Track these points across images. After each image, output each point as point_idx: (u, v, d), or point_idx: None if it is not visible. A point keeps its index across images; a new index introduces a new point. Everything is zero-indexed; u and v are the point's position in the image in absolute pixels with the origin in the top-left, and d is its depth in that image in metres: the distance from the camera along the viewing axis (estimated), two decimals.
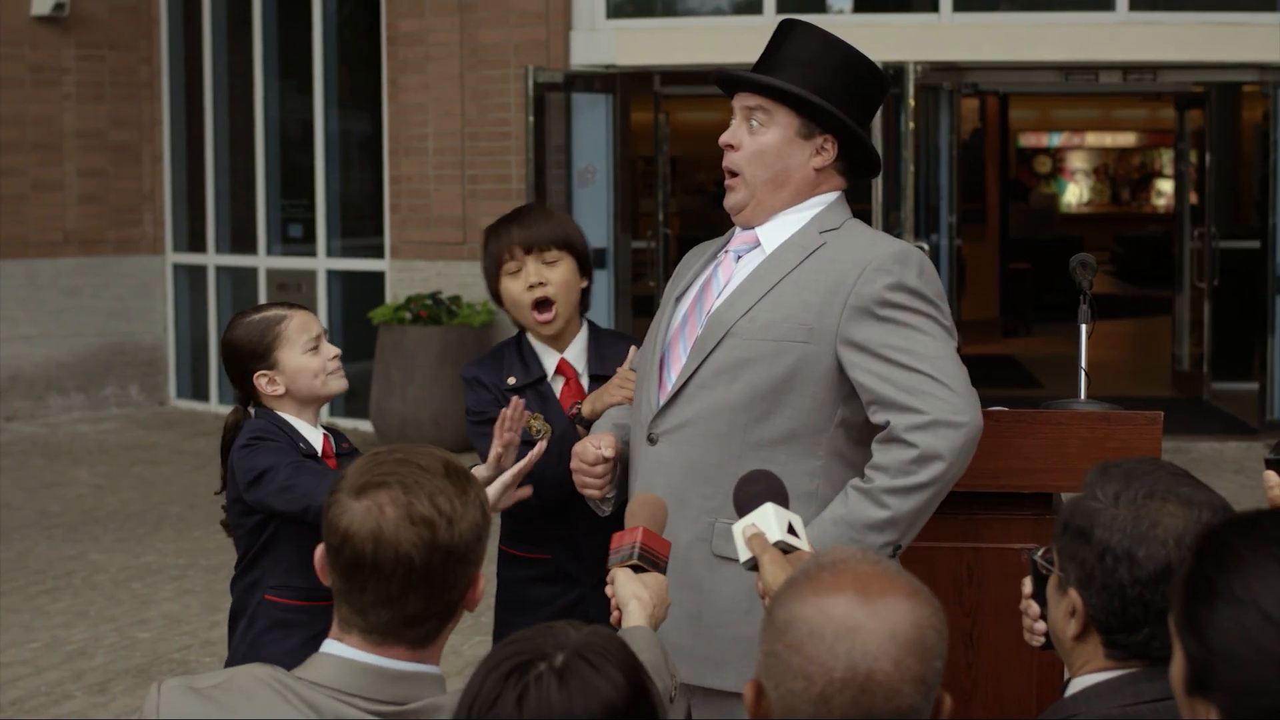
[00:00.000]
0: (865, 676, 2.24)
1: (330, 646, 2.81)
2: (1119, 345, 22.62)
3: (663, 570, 3.39)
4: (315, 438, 4.55)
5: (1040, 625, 3.10)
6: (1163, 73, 13.50)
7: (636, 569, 3.36)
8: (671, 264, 16.51)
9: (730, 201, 4.10)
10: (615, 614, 3.32)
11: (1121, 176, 36.12)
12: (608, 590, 3.38)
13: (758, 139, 4.03)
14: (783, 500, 3.28)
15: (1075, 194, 35.88)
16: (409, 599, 2.74)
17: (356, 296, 14.72)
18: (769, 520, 3.21)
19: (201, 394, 15.76)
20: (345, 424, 14.59)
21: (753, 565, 3.20)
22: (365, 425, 14.14)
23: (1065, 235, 27.79)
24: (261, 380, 4.53)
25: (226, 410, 15.69)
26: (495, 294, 4.79)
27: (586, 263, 4.75)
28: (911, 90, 12.72)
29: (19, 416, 15.11)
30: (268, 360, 4.53)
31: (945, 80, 13.51)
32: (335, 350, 4.60)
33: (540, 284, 4.64)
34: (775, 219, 4.05)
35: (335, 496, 2.79)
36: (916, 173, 12.94)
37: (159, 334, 15.94)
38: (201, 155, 15.73)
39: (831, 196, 4.06)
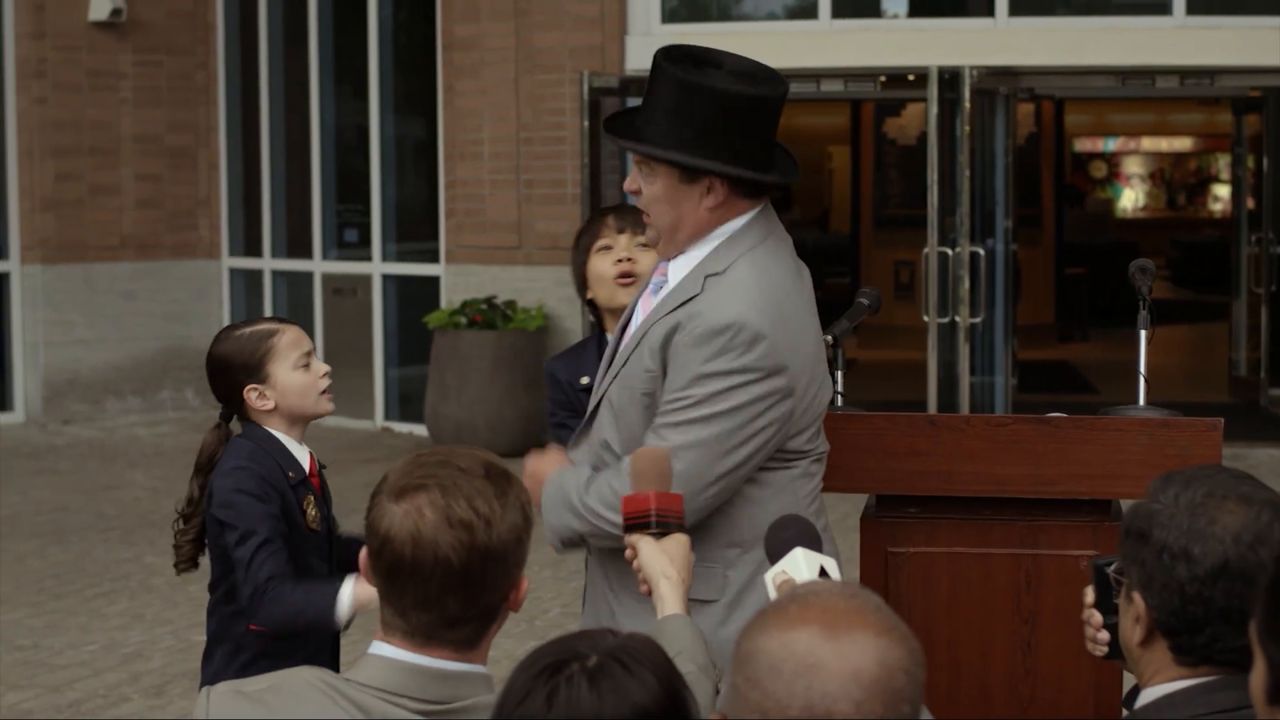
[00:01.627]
0: (823, 718, 2.11)
1: (377, 648, 2.81)
2: (1175, 351, 22.51)
3: (683, 528, 3.37)
4: (303, 456, 4.51)
5: (1103, 635, 3.08)
6: (1220, 77, 13.43)
7: (657, 536, 3.33)
8: None
9: (647, 237, 4.16)
10: (644, 588, 3.29)
11: (1177, 181, 35.95)
12: (629, 559, 3.34)
13: (650, 189, 4.01)
14: (814, 544, 3.26)
15: (1131, 199, 35.71)
16: (448, 601, 2.74)
17: (411, 301, 14.75)
18: (798, 565, 3.20)
19: None
20: (400, 428, 14.63)
21: None
22: (420, 429, 14.17)
23: (1121, 240, 27.68)
24: (252, 395, 4.47)
25: None
26: (581, 282, 4.78)
27: None
28: (967, 95, 12.70)
29: (76, 420, 15.18)
30: (259, 375, 4.47)
31: (1001, 85, 13.46)
32: (325, 367, 4.56)
33: (629, 259, 4.68)
34: (683, 255, 4.04)
35: (376, 500, 2.80)
36: (972, 178, 12.91)
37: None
38: (258, 160, 15.80)
39: (737, 224, 4.00)
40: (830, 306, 17.09)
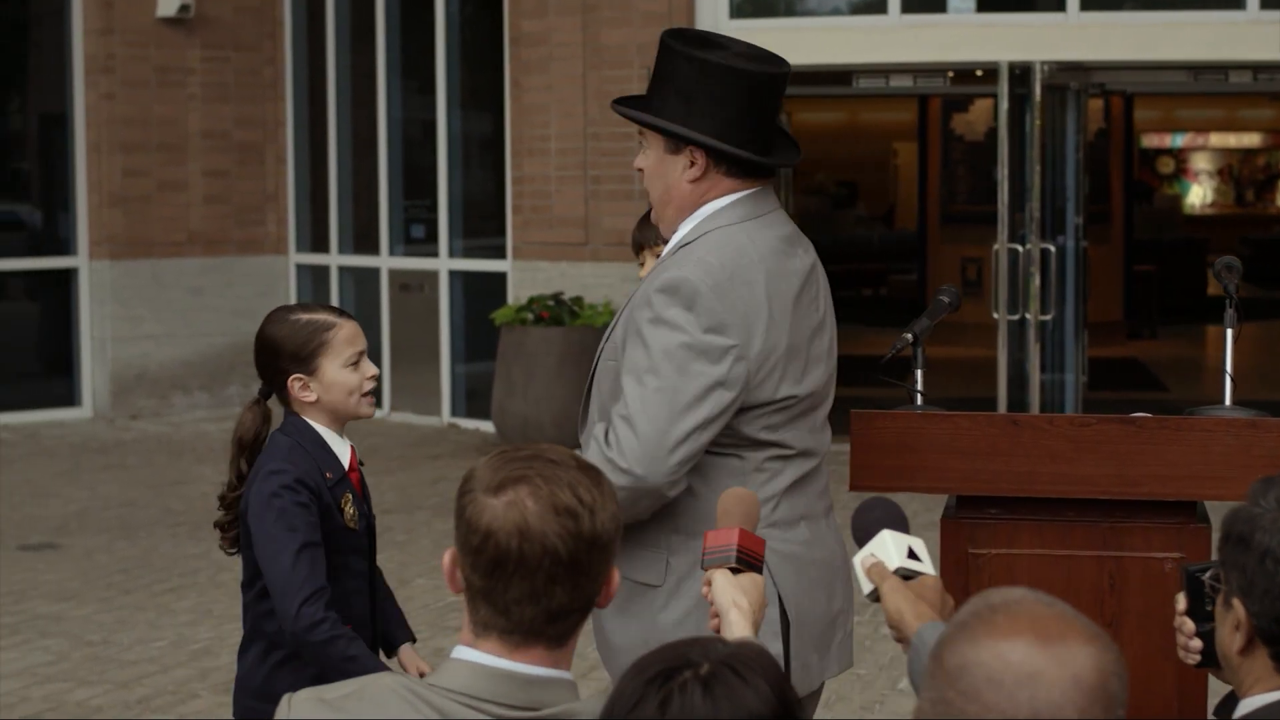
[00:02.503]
0: None
1: (462, 653, 2.76)
2: (1248, 349, 22.33)
3: (759, 570, 3.33)
4: (343, 451, 4.44)
5: (1196, 643, 3.01)
6: None
7: (734, 571, 3.29)
8: None
9: (653, 216, 4.26)
10: (714, 620, 3.25)
11: (1246, 177, 35.71)
12: (704, 593, 3.31)
13: (644, 161, 4.13)
14: (901, 525, 3.21)
15: (1198, 195, 35.49)
16: (555, 592, 2.69)
17: (478, 297, 14.73)
18: (886, 547, 3.15)
19: None
20: (467, 424, 14.61)
21: (875, 596, 3.14)
22: (487, 426, 14.14)
23: (1190, 237, 27.46)
24: (295, 385, 4.37)
25: None
26: None
27: None
28: (1038, 90, 12.60)
29: (143, 415, 15.21)
30: (307, 366, 4.37)
31: (1072, 80, 13.35)
32: (374, 369, 4.48)
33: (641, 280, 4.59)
34: (676, 231, 4.12)
35: (469, 497, 2.74)
36: (1043, 174, 12.80)
37: None
38: (325, 156, 15.81)
39: (720, 203, 4.05)
40: (897, 304, 17.14)
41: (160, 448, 13.89)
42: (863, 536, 3.21)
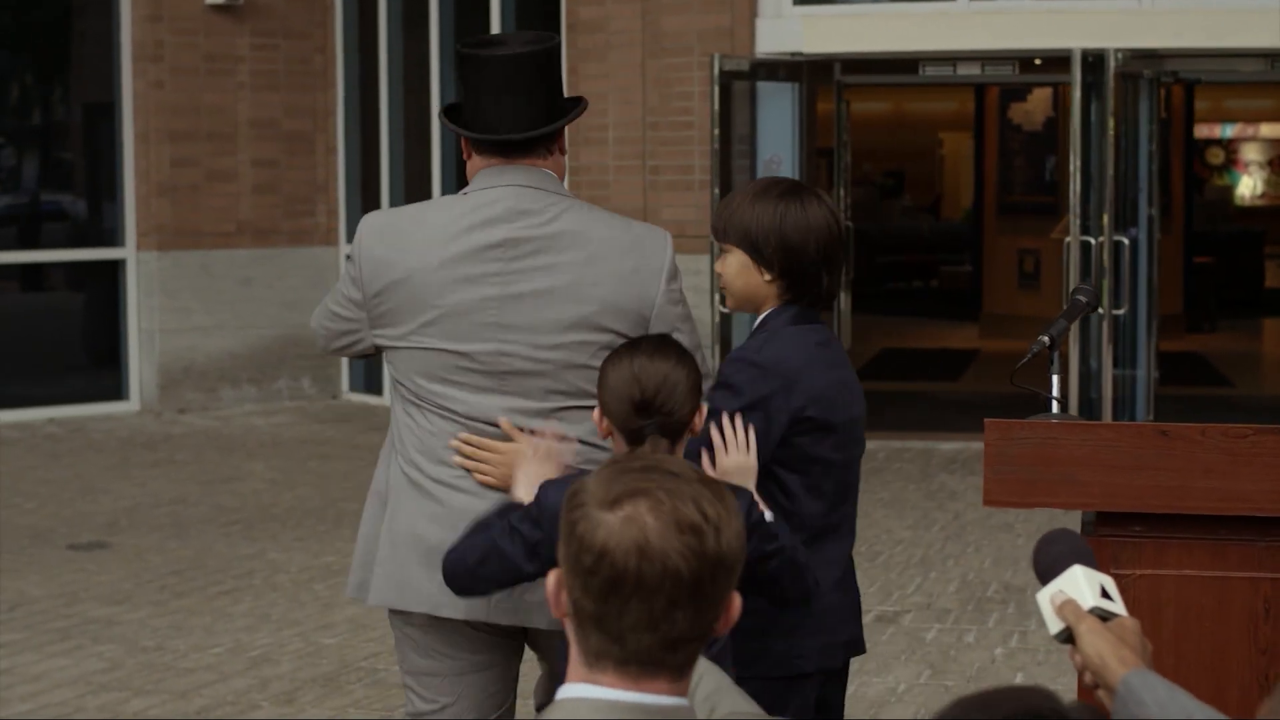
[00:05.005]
0: None
1: (577, 690, 2.46)
2: None
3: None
4: None
5: None
6: None
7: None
8: (851, 257, 16.11)
9: None
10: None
11: None
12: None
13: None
14: (1088, 560, 2.93)
15: (1249, 186, 35.19)
16: (676, 617, 2.40)
17: None
18: (1079, 584, 2.88)
19: (374, 388, 15.54)
20: None
21: (1066, 637, 2.86)
22: None
23: (1245, 229, 27.11)
24: (700, 416, 3.96)
25: None
26: None
27: (760, 253, 4.24)
28: (1110, 79, 12.26)
29: (191, 409, 14.97)
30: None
31: (1145, 68, 13.00)
32: None
33: (718, 274, 4.38)
34: None
35: (581, 512, 2.43)
36: (1117, 163, 12.45)
37: None
38: (376, 145, 15.54)
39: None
40: (949, 297, 16.84)
41: (209, 443, 13.63)
42: (1049, 571, 2.92)
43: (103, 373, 15.06)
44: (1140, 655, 2.80)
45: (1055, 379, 4.21)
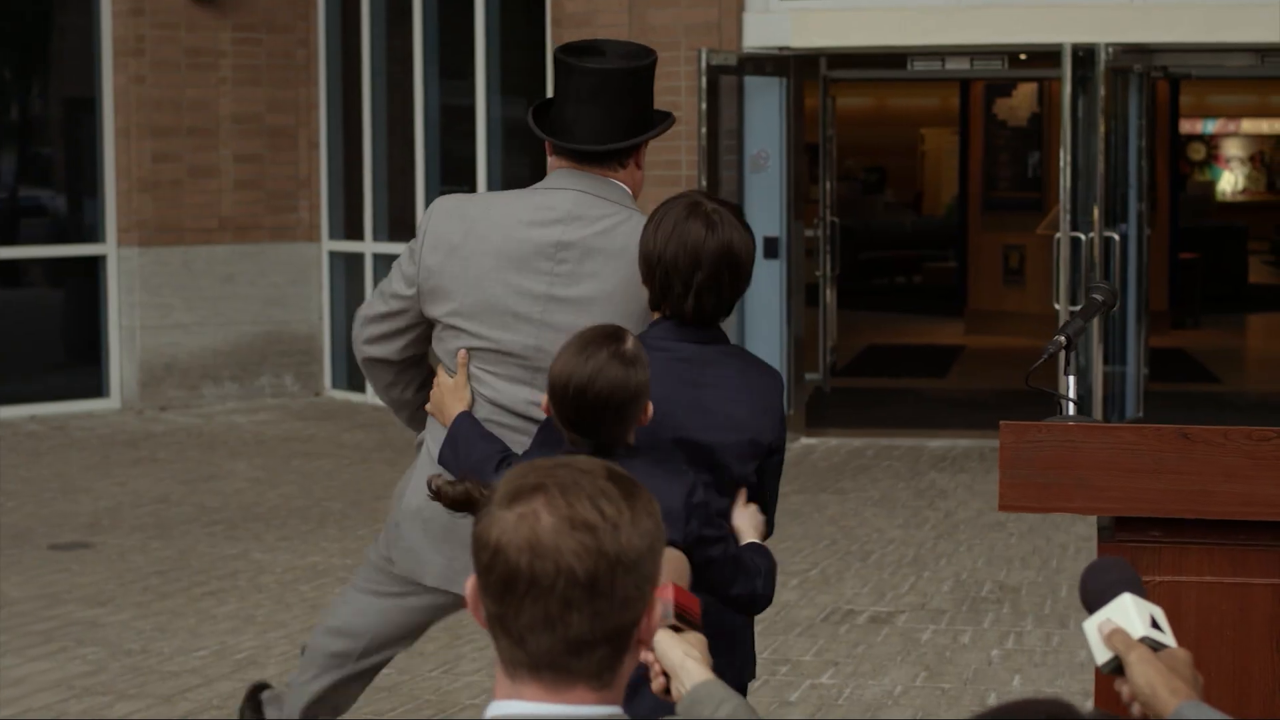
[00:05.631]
0: None
1: (502, 708, 2.39)
2: None
3: (700, 629, 3.13)
4: None
5: None
6: None
7: (675, 629, 3.10)
8: (837, 253, 16.01)
9: None
10: (659, 681, 3.06)
11: (1278, 164, 35.40)
12: (644, 657, 3.04)
13: None
14: (1138, 588, 2.85)
15: (1230, 182, 35.22)
16: (572, 618, 2.34)
17: None
18: (1129, 613, 2.81)
19: (357, 385, 15.42)
20: None
21: (1114, 667, 2.78)
22: None
23: (1228, 225, 27.07)
24: (648, 412, 3.89)
25: (383, 402, 15.36)
26: None
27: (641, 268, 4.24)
28: (1101, 73, 12.17)
29: (173, 406, 14.84)
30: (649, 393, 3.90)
31: (1136, 63, 12.91)
32: None
33: None
34: None
35: (484, 510, 2.40)
36: (1106, 160, 12.36)
37: (314, 323, 15.63)
38: (359, 140, 15.40)
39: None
40: (933, 293, 16.77)
41: (191, 441, 13.50)
42: (1098, 599, 2.84)
43: (83, 370, 14.91)
44: (1192, 687, 2.71)
45: (1071, 379, 4.11)
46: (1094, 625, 2.83)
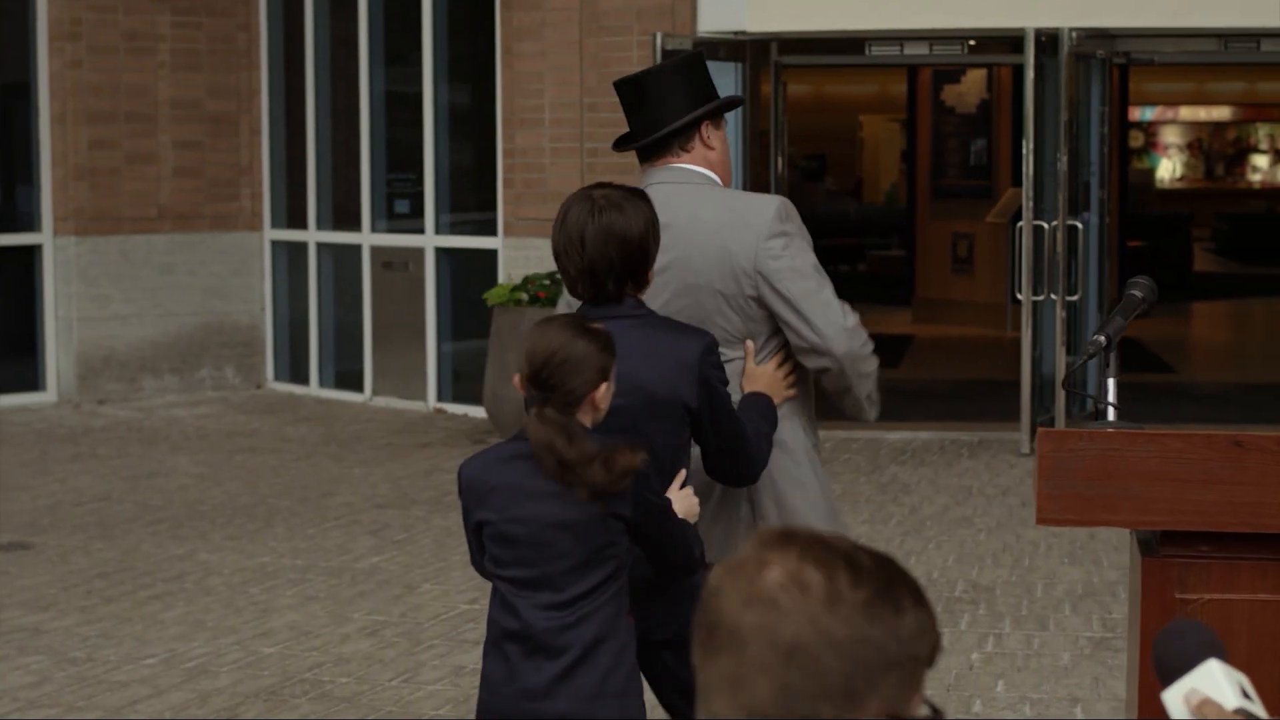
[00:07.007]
0: None
1: None
2: (1239, 326, 21.86)
3: None
4: None
5: None
6: None
7: None
8: None
9: None
10: None
11: (1216, 151, 35.42)
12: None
13: None
14: (1222, 654, 2.58)
15: (1168, 169, 35.23)
16: (757, 684, 1.99)
17: (466, 276, 14.02)
18: (1218, 682, 2.53)
19: (300, 377, 15.09)
20: (455, 409, 13.91)
21: None
22: (477, 411, 13.43)
23: (1174, 212, 26.98)
24: (601, 391, 4.12)
25: (326, 394, 15.09)
26: None
27: None
28: (1065, 59, 11.93)
29: (111, 399, 14.47)
30: (609, 375, 4.13)
31: (1099, 49, 12.67)
32: None
33: None
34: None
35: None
36: (1069, 146, 12.13)
37: (256, 314, 15.28)
38: (302, 127, 15.05)
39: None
40: (879, 282, 16.54)
41: (132, 435, 13.14)
42: (1179, 665, 2.56)
43: (19, 363, 14.52)
44: None
45: (1111, 382, 3.82)
46: (1178, 696, 2.55)
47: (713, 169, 4.95)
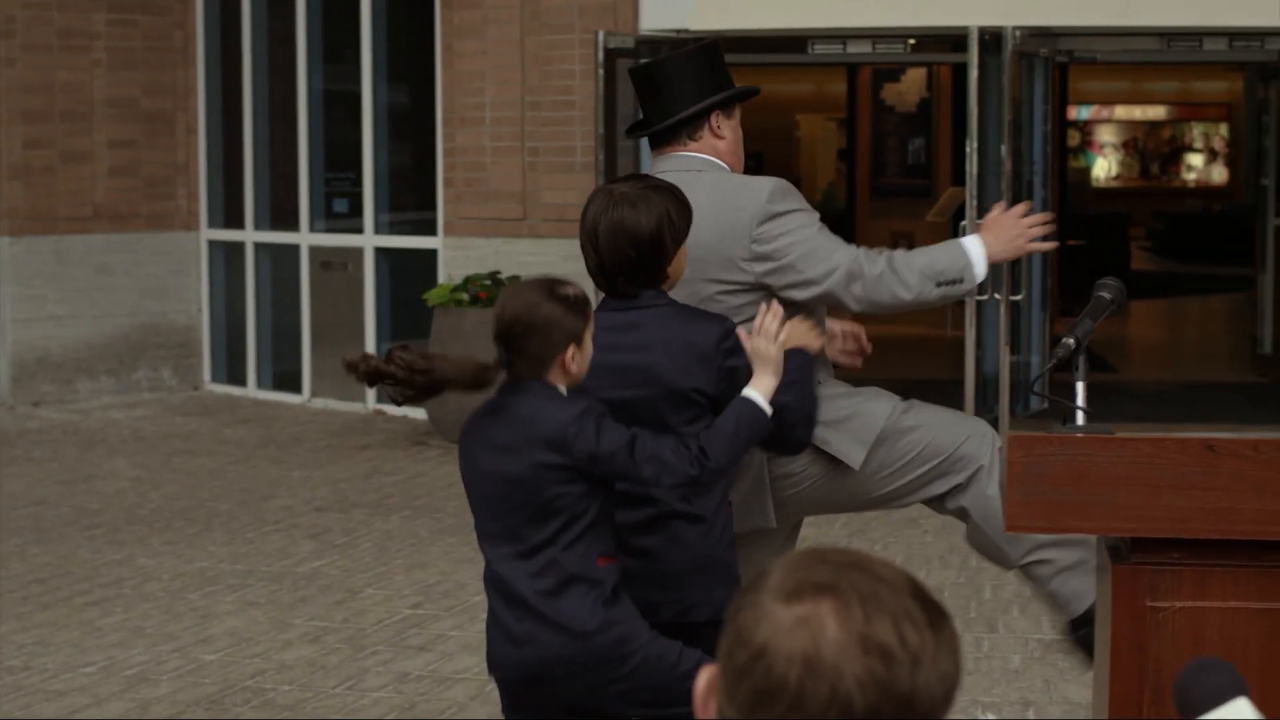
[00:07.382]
0: None
1: None
2: (1171, 325, 21.92)
3: None
4: None
5: None
6: (1270, 39, 12.64)
7: None
8: None
9: None
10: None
11: (1151, 150, 35.55)
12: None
13: None
14: (1246, 692, 2.53)
15: (1103, 168, 35.33)
16: None
17: (406, 276, 13.91)
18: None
19: (238, 378, 14.95)
20: (395, 411, 13.79)
21: None
22: (416, 413, 13.31)
23: (1112, 211, 27.06)
24: (570, 355, 4.22)
25: (264, 395, 14.95)
26: None
27: None
28: (1009, 57, 11.89)
29: (46, 401, 14.30)
30: (580, 339, 4.23)
31: (1042, 47, 12.64)
32: None
33: None
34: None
35: (754, 597, 1.91)
36: (1013, 144, 12.09)
37: (193, 314, 15.14)
38: (239, 125, 14.93)
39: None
40: None
41: (67, 438, 12.98)
42: (1205, 703, 2.49)
43: None
44: None
45: (1080, 385, 3.75)
46: None
47: (721, 158, 5.05)
